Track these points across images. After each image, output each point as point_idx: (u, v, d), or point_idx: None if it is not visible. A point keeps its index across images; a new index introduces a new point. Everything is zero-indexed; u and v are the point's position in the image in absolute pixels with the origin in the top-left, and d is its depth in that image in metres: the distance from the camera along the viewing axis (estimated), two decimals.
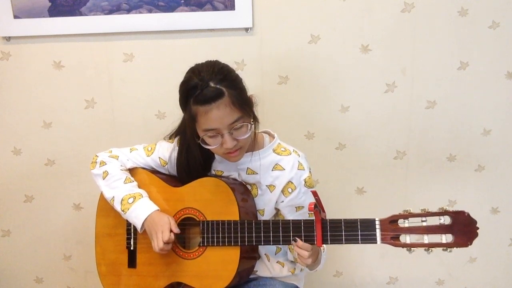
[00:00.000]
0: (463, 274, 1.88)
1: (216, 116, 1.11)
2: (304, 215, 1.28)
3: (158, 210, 1.26)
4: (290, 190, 1.26)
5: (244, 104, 1.14)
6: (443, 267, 1.88)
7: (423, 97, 1.72)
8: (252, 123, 1.18)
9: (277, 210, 1.33)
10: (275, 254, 1.36)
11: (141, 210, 1.25)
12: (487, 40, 1.66)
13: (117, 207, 1.28)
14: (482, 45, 1.66)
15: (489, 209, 1.81)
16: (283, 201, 1.28)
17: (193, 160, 1.26)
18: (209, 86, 1.10)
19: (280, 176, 1.26)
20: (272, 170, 1.27)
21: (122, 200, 1.27)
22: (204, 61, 1.18)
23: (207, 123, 1.13)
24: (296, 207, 1.29)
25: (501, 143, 1.75)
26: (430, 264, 1.87)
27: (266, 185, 1.28)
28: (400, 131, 1.75)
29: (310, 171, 1.29)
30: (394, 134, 1.75)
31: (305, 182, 1.27)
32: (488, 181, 1.79)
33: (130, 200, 1.27)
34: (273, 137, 1.31)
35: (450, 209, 1.03)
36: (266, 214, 1.30)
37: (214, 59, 1.20)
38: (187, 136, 1.24)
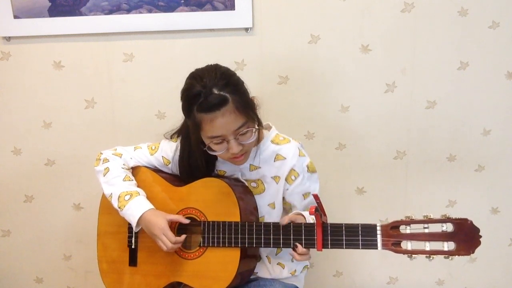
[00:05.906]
0: (463, 274, 1.88)
1: (222, 123, 1.10)
2: (313, 202, 1.21)
3: (152, 209, 1.26)
4: (293, 177, 1.26)
5: (247, 109, 1.14)
6: (443, 267, 1.87)
7: (423, 97, 1.71)
8: (257, 127, 1.17)
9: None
10: (276, 255, 1.35)
11: (136, 208, 1.25)
12: (487, 40, 1.66)
13: (114, 204, 1.28)
14: (482, 45, 1.66)
15: (489, 209, 1.81)
16: (288, 189, 1.28)
17: (195, 164, 1.26)
18: (213, 93, 1.09)
19: (283, 165, 1.26)
20: (274, 161, 1.27)
21: (119, 197, 1.27)
22: (204, 66, 1.17)
23: (212, 131, 1.12)
24: (303, 195, 1.29)
25: (501, 143, 1.75)
26: (430, 264, 1.84)
27: (271, 177, 1.27)
28: (400, 131, 1.75)
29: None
30: (394, 134, 1.75)
31: (307, 167, 1.27)
32: (488, 181, 1.79)
33: (127, 198, 1.26)
34: (270, 128, 1.31)
35: (453, 216, 1.01)
36: (278, 206, 1.30)
37: (214, 63, 1.18)
38: (191, 142, 1.22)
